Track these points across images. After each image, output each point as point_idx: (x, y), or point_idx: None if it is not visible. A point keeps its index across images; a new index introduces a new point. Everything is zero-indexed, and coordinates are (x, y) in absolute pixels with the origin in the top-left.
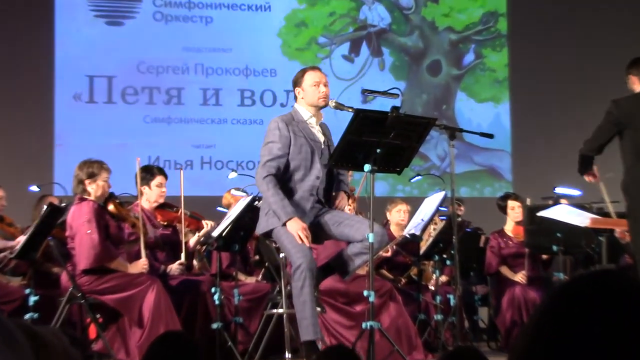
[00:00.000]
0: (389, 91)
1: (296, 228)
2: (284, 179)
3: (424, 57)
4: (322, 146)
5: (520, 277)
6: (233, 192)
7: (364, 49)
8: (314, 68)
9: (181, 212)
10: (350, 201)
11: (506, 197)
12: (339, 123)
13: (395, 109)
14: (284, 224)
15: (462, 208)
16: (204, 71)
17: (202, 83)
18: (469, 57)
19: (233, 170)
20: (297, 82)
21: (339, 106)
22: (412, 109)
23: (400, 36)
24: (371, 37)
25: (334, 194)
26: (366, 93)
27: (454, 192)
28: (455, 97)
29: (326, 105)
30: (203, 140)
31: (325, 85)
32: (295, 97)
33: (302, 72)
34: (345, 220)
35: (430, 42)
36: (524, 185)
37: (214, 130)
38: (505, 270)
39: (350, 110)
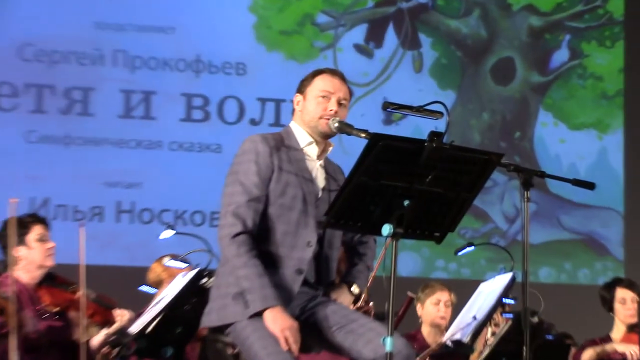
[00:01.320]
0: (426, 107)
1: (281, 325)
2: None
3: (487, 54)
4: (320, 194)
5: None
6: (167, 261)
7: (390, 37)
8: (333, 73)
9: (79, 293)
10: (356, 304)
11: (614, 284)
12: (346, 157)
13: (436, 136)
14: (259, 315)
15: (527, 297)
16: (127, 62)
17: (125, 82)
18: (561, 56)
19: (169, 225)
20: (301, 86)
21: (345, 128)
22: (464, 137)
23: (450, 18)
24: (403, 18)
25: (337, 281)
26: (391, 109)
27: (528, 275)
28: (537, 119)
29: (330, 131)
30: (122, 174)
31: (340, 104)
32: (293, 111)
33: (315, 73)
34: (352, 323)
35: (498, 30)
36: None
37: (141, 159)
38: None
39: (364, 135)
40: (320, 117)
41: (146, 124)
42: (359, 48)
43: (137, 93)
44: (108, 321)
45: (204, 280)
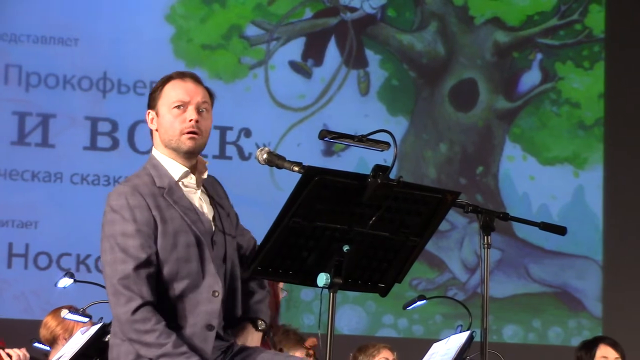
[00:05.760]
0: (370, 137)
1: None
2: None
3: (445, 74)
4: (213, 228)
5: None
6: (65, 314)
7: (332, 53)
8: (183, 75)
9: None
10: (265, 338)
11: (593, 343)
12: (279, 194)
13: (381, 170)
14: None
15: None
16: (21, 79)
17: (18, 102)
18: (531, 78)
19: (67, 272)
20: (150, 100)
21: (276, 160)
22: (418, 172)
23: (403, 32)
24: (346, 31)
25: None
26: (328, 138)
27: (488, 334)
28: (502, 152)
29: (196, 149)
30: (14, 211)
31: (199, 110)
32: (150, 133)
33: (163, 81)
34: None
35: (458, 47)
36: (624, 325)
37: (37, 194)
38: None
39: (297, 169)
40: (182, 133)
41: (43, 152)
42: (295, 66)
43: (33, 116)
44: None
45: (107, 337)
